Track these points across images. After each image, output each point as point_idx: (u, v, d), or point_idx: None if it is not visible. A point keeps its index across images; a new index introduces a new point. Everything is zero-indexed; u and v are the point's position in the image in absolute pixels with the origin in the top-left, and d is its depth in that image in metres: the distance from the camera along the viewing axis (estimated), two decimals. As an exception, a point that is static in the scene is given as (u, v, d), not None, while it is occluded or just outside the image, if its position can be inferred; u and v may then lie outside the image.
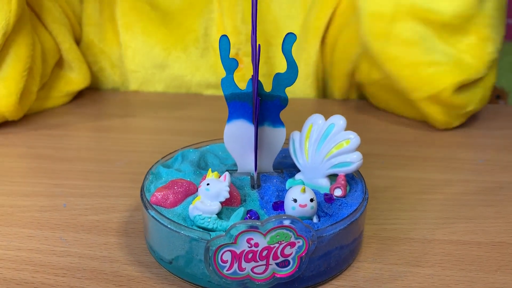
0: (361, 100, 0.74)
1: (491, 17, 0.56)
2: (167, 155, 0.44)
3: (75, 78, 0.69)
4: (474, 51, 0.57)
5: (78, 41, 0.72)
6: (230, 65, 0.37)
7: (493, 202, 0.46)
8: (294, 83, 0.75)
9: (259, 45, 0.36)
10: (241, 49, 0.69)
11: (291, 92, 0.71)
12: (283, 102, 0.39)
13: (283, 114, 0.39)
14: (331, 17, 0.68)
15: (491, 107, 0.68)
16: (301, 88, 0.72)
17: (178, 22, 0.71)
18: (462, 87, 0.57)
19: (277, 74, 0.38)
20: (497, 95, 1.22)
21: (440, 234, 0.41)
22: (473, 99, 0.59)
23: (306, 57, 0.70)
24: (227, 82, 0.38)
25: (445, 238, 0.41)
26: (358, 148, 0.39)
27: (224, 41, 0.37)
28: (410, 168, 0.53)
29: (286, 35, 0.36)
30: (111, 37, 0.72)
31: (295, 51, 0.69)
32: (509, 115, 0.67)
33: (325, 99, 0.73)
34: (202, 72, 0.72)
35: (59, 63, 0.68)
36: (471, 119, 0.64)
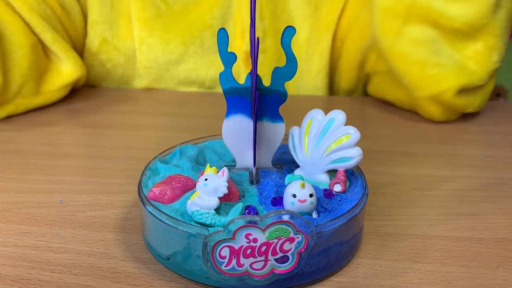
0: (361, 97, 0.73)
1: (501, 27, 0.56)
2: (165, 151, 0.44)
3: (66, 69, 0.66)
4: (479, 59, 0.57)
5: (75, 36, 0.71)
6: (229, 59, 0.37)
7: (494, 199, 0.46)
8: (306, 77, 0.74)
9: (257, 38, 0.35)
10: None
11: (302, 86, 0.71)
12: (282, 96, 0.38)
13: (283, 110, 0.39)
14: (342, 10, 0.68)
15: (491, 104, 0.68)
16: (313, 83, 0.71)
17: (196, 17, 0.70)
18: (464, 90, 0.58)
19: (276, 68, 0.37)
20: (497, 93, 1.22)
21: (440, 230, 0.41)
22: (473, 103, 0.61)
23: (320, 51, 0.69)
24: (226, 76, 0.38)
25: (445, 234, 0.40)
26: (358, 144, 0.38)
27: (223, 34, 0.36)
28: (410, 164, 0.52)
29: (285, 29, 0.36)
30: (124, 33, 0.71)
31: (308, 46, 0.69)
32: (509, 112, 0.67)
33: (325, 96, 0.73)
34: (217, 67, 0.72)
35: (47, 55, 0.66)
36: (471, 116, 0.64)
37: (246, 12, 0.68)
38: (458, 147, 0.56)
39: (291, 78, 0.38)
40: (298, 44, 0.70)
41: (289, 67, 0.37)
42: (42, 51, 0.65)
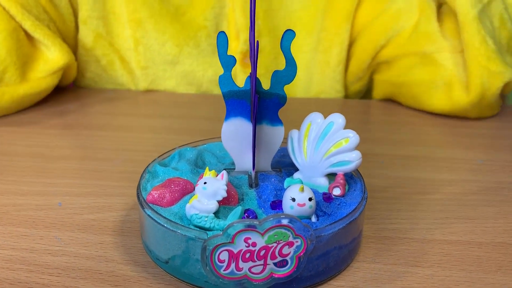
0: (361, 100, 0.73)
1: None
2: (164, 154, 0.44)
3: (52, 56, 0.66)
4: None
5: (64, 29, 0.70)
6: (228, 62, 0.37)
7: (493, 202, 0.46)
8: (325, 69, 0.72)
9: (257, 42, 0.35)
10: None
11: (317, 79, 0.71)
12: (281, 100, 0.38)
13: (282, 113, 0.39)
14: (359, 1, 0.68)
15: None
16: (332, 74, 0.71)
17: (189, 18, 0.70)
18: (504, 87, 0.62)
19: (276, 72, 0.37)
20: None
21: (439, 234, 0.41)
22: (497, 104, 0.64)
23: (340, 43, 0.69)
24: (225, 79, 0.38)
25: (444, 238, 0.40)
26: (357, 148, 0.38)
27: (222, 37, 0.36)
28: (409, 168, 0.52)
29: (284, 32, 0.36)
30: (118, 30, 0.71)
31: (322, 38, 0.68)
32: (508, 116, 0.67)
33: (325, 98, 0.73)
34: (214, 69, 0.72)
35: (32, 42, 0.66)
36: (471, 120, 0.64)
37: (239, 12, 0.68)
38: (458, 150, 0.56)
39: (291, 82, 0.38)
40: (305, 39, 0.70)
41: (289, 71, 0.37)
42: (25, 37, 0.65)
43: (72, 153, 0.56)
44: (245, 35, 0.68)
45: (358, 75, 0.72)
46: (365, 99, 0.75)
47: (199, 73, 0.72)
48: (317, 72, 0.71)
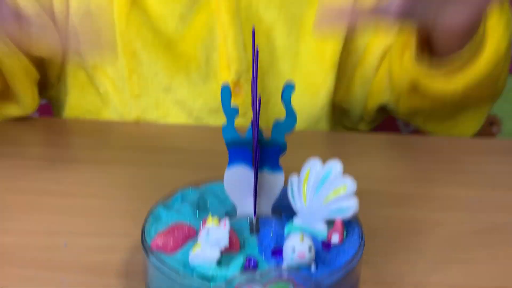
0: (359, 134, 0.75)
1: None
2: (167, 195, 0.44)
3: (10, 109, 0.68)
4: None
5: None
6: (231, 113, 0.39)
7: (488, 243, 0.47)
8: (310, 111, 0.75)
9: (259, 95, 0.37)
10: (242, 76, 0.71)
11: (305, 120, 0.73)
12: (282, 147, 0.40)
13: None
14: (347, 49, 0.71)
15: (485, 142, 0.69)
16: (317, 117, 0.73)
17: (181, 50, 0.72)
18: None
19: (277, 123, 0.39)
20: (490, 122, 1.23)
21: (436, 277, 0.42)
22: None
23: (328, 87, 0.72)
24: (228, 129, 0.39)
25: (441, 282, 0.41)
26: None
27: (225, 90, 0.38)
28: (405, 206, 0.53)
29: (285, 86, 0.38)
30: (111, 59, 0.73)
31: (310, 83, 0.71)
32: (502, 151, 0.67)
33: (323, 130, 0.74)
34: (204, 98, 0.73)
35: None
36: (465, 155, 0.65)
37: (231, 45, 0.69)
38: (452, 188, 0.57)
39: (291, 131, 0.39)
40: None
41: (289, 121, 0.39)
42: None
43: (72, 190, 0.56)
44: (235, 66, 0.70)
45: (354, 120, 0.76)
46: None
47: (189, 101, 0.73)
48: (304, 111, 0.73)
